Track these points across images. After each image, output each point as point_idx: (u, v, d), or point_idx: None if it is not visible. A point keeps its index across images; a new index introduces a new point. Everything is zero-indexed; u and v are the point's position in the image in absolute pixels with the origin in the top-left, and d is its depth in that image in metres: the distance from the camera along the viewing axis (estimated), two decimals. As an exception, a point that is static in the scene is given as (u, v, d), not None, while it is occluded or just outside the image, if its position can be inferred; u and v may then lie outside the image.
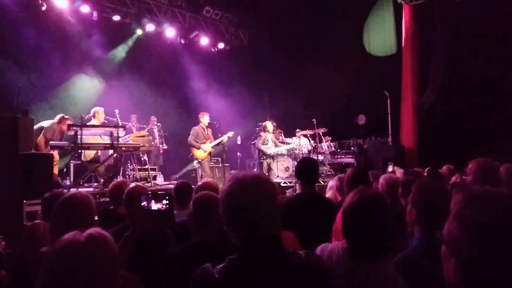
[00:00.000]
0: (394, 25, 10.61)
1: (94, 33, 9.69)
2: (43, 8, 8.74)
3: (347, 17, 10.64)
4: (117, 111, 7.94)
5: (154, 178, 8.16)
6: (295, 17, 11.16)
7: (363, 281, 1.56)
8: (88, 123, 7.21)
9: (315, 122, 9.23)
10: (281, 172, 9.23)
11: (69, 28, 9.28)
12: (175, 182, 4.25)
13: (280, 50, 11.54)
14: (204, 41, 11.73)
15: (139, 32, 10.61)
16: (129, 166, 8.35)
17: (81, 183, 6.66)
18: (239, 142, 10.11)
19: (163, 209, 2.07)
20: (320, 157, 9.51)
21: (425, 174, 4.21)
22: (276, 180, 8.40)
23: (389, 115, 10.48)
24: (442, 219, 0.99)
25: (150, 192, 2.19)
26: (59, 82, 9.20)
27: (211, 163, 8.91)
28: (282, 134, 10.00)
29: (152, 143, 8.54)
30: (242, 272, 1.28)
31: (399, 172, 4.69)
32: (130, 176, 7.95)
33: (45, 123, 6.89)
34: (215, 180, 4.31)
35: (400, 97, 10.53)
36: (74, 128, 6.31)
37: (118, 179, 4.98)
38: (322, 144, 9.63)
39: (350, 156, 10.32)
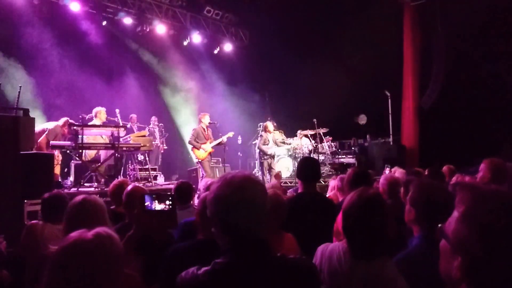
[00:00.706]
0: (395, 25, 10.60)
1: (95, 33, 9.69)
2: (44, 8, 8.75)
3: (348, 17, 10.63)
4: (117, 110, 7.95)
5: (155, 178, 8.17)
6: (296, 17, 11.15)
7: (364, 280, 1.56)
8: (89, 123, 7.23)
9: (315, 122, 9.22)
10: (281, 172, 9.22)
11: (70, 28, 9.29)
12: (176, 182, 4.26)
13: (280, 50, 11.53)
14: (205, 41, 11.74)
15: (140, 32, 10.60)
16: (130, 166, 8.36)
17: (82, 183, 6.67)
18: (240, 142, 10.12)
19: (166, 209, 2.08)
20: (321, 157, 9.50)
21: (426, 173, 4.21)
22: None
23: (390, 115, 10.47)
24: (442, 218, 0.98)
25: (150, 193, 2.21)
26: (59, 82, 9.21)
27: (212, 163, 8.91)
28: (283, 134, 10.00)
29: (153, 143, 8.55)
30: (228, 276, 1.25)
31: (399, 172, 4.68)
32: (131, 176, 7.97)
33: (48, 125, 6.91)
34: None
35: (401, 97, 10.53)
36: (75, 128, 6.33)
37: (119, 179, 4.98)
38: (323, 144, 9.63)
39: (351, 156, 10.32)
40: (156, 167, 8.98)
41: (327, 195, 4.26)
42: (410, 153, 10.09)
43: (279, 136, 9.65)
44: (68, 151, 6.86)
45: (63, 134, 6.96)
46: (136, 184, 3.11)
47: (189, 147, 8.66)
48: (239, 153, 10.86)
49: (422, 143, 10.18)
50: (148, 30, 10.50)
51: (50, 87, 8.97)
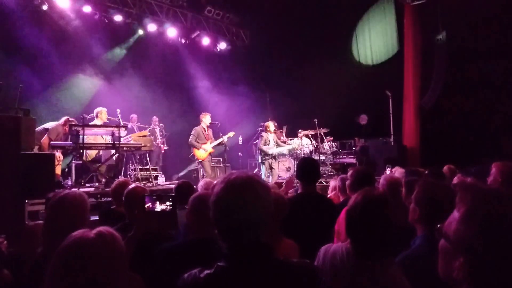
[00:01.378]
0: (396, 25, 10.60)
1: (96, 33, 9.70)
2: (44, 8, 8.76)
3: (348, 16, 10.64)
4: (118, 111, 7.95)
5: (156, 178, 8.16)
6: (297, 17, 11.15)
7: (367, 280, 1.55)
8: (90, 123, 7.23)
9: (316, 122, 9.22)
10: (282, 172, 9.22)
11: (71, 28, 9.30)
12: (176, 182, 4.26)
13: (281, 50, 11.54)
14: (206, 41, 11.74)
15: (140, 32, 10.62)
16: (131, 166, 8.36)
17: (82, 183, 6.67)
18: (240, 142, 10.11)
19: (167, 210, 2.08)
20: (322, 157, 9.49)
21: (426, 174, 4.19)
22: (277, 180, 8.40)
23: (391, 115, 10.46)
24: (447, 218, 0.98)
25: (150, 193, 2.21)
26: (60, 82, 9.22)
27: (213, 163, 8.90)
28: (284, 134, 9.99)
29: (154, 143, 8.55)
30: (230, 280, 1.23)
31: (399, 172, 4.66)
32: (132, 176, 7.97)
33: (49, 125, 6.92)
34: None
35: (402, 97, 10.53)
36: (76, 128, 6.33)
37: (122, 179, 4.99)
38: (324, 144, 9.62)
39: (352, 156, 10.31)
40: (157, 167, 8.98)
41: (328, 196, 4.25)
42: (411, 153, 10.09)
43: (280, 136, 9.65)
44: (68, 151, 6.86)
45: (64, 133, 6.97)
46: (137, 184, 3.10)
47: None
48: (239, 153, 10.85)
49: (423, 143, 10.17)
50: (149, 30, 10.51)
51: (51, 87, 8.98)
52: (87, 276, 1.18)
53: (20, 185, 4.63)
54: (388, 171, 6.05)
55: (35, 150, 6.13)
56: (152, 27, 10.54)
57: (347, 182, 3.16)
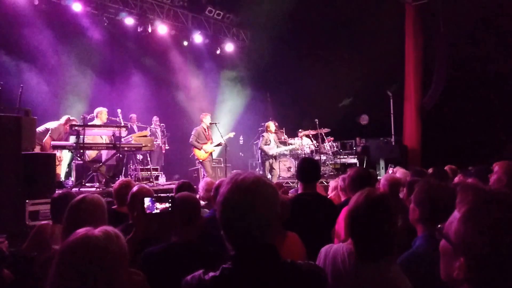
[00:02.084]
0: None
1: (97, 33, 9.71)
2: (45, 7, 8.77)
3: (349, 16, 10.62)
4: (119, 110, 7.95)
5: (156, 178, 8.16)
6: (297, 17, 11.15)
7: (369, 280, 1.55)
8: (90, 123, 7.23)
9: (317, 122, 9.22)
10: (283, 172, 9.22)
11: (71, 28, 9.31)
12: (177, 182, 4.25)
13: (282, 50, 11.53)
14: (206, 41, 11.74)
15: (141, 32, 10.61)
16: (131, 166, 8.36)
17: (83, 183, 6.67)
18: (241, 142, 10.11)
19: (166, 211, 2.08)
20: (323, 157, 9.49)
21: (430, 173, 4.19)
22: (278, 180, 8.40)
23: (392, 115, 10.46)
24: (446, 218, 0.98)
25: (154, 194, 2.20)
26: (61, 81, 9.22)
27: (213, 163, 8.90)
28: (285, 134, 9.99)
29: (154, 143, 8.55)
30: (236, 282, 1.23)
31: (400, 173, 4.66)
32: (132, 176, 7.97)
33: (51, 124, 6.92)
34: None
35: (403, 97, 10.52)
36: (76, 128, 6.33)
37: (124, 179, 4.97)
38: (324, 144, 9.62)
39: (353, 156, 10.31)
40: (158, 167, 8.98)
41: (328, 196, 4.24)
42: (412, 153, 10.08)
43: (280, 136, 9.65)
44: (69, 151, 6.87)
45: (66, 132, 6.98)
46: (142, 184, 3.09)
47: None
48: (240, 153, 10.85)
49: (424, 143, 10.16)
50: (149, 30, 10.52)
51: (51, 87, 8.98)
52: (91, 272, 1.20)
53: (21, 185, 4.63)
54: (390, 170, 6.06)
55: (37, 150, 6.14)
56: (152, 27, 10.53)
57: (347, 182, 3.16)
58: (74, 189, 6.16)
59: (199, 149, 8.13)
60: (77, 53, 9.46)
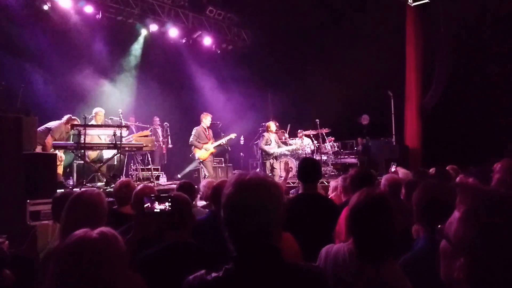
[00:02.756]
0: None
1: (98, 33, 9.71)
2: (46, 7, 8.78)
3: (349, 16, 10.62)
4: (120, 110, 7.95)
5: (157, 178, 8.17)
6: (298, 17, 11.14)
7: (370, 281, 1.55)
8: (89, 123, 7.22)
9: (318, 122, 9.21)
10: (284, 172, 9.20)
11: (72, 28, 9.31)
12: (178, 182, 4.25)
13: (282, 50, 11.53)
14: (207, 41, 11.75)
15: (142, 32, 10.63)
16: (132, 166, 8.36)
17: (84, 183, 6.67)
18: (242, 142, 10.10)
19: (166, 210, 2.07)
20: (324, 157, 9.48)
21: (432, 173, 4.18)
22: (278, 180, 8.39)
23: (392, 115, 10.44)
24: (447, 218, 0.97)
25: (153, 195, 2.19)
26: (62, 81, 9.22)
27: (214, 163, 8.90)
28: (286, 134, 9.99)
29: (155, 143, 8.55)
30: (239, 283, 1.22)
31: (401, 173, 4.66)
32: (133, 176, 7.97)
33: (52, 124, 6.92)
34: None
35: (404, 97, 10.51)
36: (77, 128, 6.33)
37: (125, 179, 4.97)
38: (325, 144, 9.61)
39: (354, 156, 10.30)
40: (159, 167, 8.98)
41: (328, 196, 4.24)
42: (413, 153, 10.06)
43: (281, 136, 9.65)
44: (70, 151, 6.86)
45: (67, 132, 6.98)
46: (146, 184, 3.08)
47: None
48: (241, 153, 10.85)
49: (425, 143, 10.15)
50: (150, 30, 10.52)
51: (52, 87, 8.98)
52: (88, 275, 1.18)
53: (21, 185, 4.64)
54: (393, 168, 6.06)
55: (39, 150, 6.14)
56: (153, 27, 10.55)
57: (347, 182, 3.16)
58: (75, 189, 6.18)
59: (200, 149, 8.13)
60: (77, 53, 9.47)
